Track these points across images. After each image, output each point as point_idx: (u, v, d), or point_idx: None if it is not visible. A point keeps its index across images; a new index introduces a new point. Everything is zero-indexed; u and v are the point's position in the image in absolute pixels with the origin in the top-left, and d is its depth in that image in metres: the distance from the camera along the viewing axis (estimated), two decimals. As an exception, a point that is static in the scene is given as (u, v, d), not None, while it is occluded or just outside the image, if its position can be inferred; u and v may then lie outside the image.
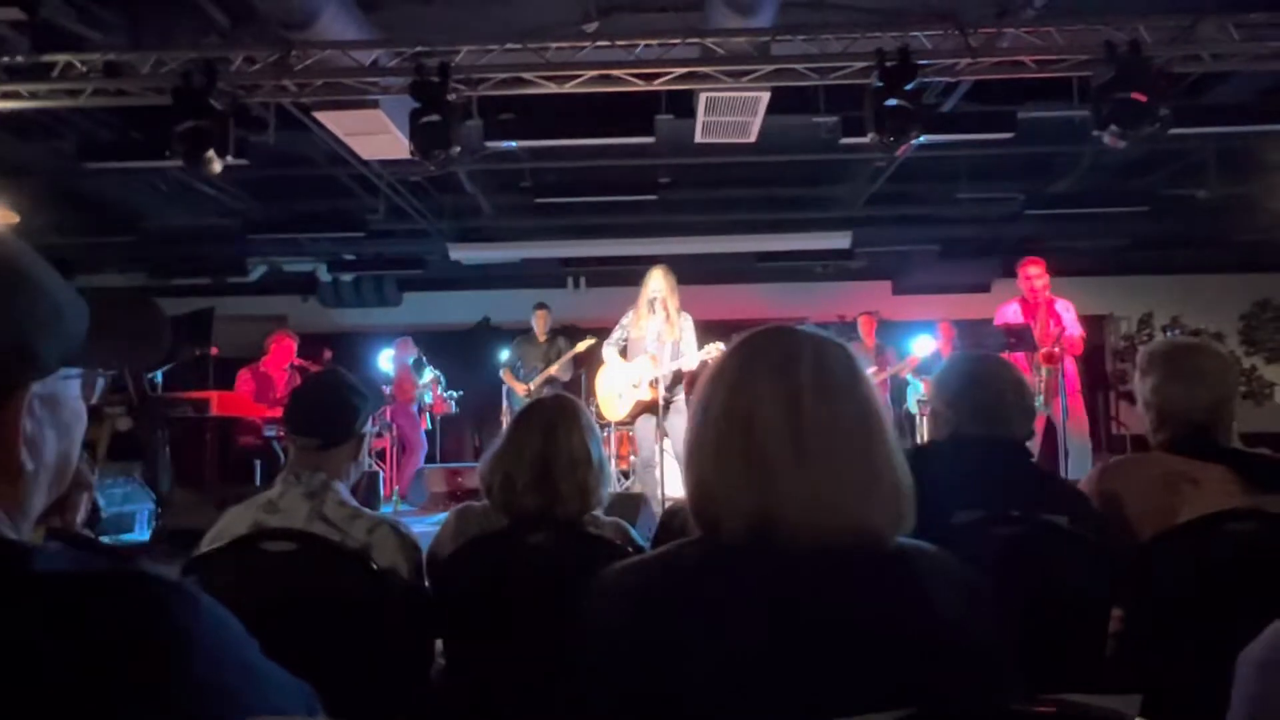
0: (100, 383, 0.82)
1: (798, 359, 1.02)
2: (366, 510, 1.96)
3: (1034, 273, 5.76)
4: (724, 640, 0.93)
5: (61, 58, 5.13)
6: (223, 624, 0.72)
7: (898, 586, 0.97)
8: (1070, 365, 5.64)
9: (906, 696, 0.77)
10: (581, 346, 7.05)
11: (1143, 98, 4.75)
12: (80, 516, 0.83)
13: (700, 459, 1.04)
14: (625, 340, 5.44)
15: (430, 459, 8.33)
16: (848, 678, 0.90)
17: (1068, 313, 5.68)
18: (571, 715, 1.06)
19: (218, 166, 5.09)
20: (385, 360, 8.40)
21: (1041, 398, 5.32)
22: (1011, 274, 9.69)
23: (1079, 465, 5.28)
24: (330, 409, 2.02)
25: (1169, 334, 10.78)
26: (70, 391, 0.79)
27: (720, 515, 1.00)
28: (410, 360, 8.12)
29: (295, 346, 6.96)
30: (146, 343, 0.88)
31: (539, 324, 7.46)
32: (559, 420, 1.98)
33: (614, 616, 0.99)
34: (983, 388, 1.96)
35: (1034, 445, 3.76)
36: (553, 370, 7.18)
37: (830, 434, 0.98)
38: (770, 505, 0.96)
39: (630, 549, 1.91)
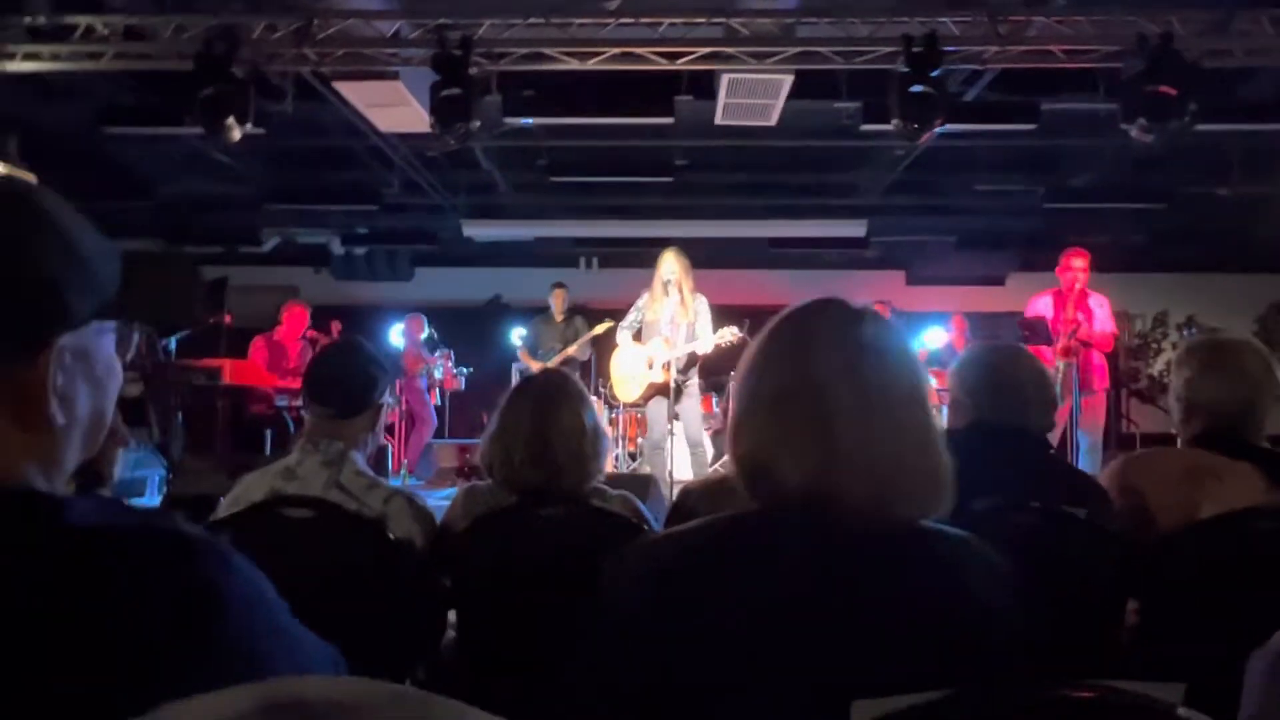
0: (135, 339, 0.81)
1: (857, 323, 1.02)
2: (383, 481, 1.97)
3: (1079, 264, 5.60)
4: (755, 616, 0.92)
5: (83, 20, 5.11)
6: (254, 583, 0.71)
7: (934, 568, 0.97)
8: (1097, 360, 5.56)
9: (937, 678, 0.77)
10: (600, 329, 6.99)
11: (1173, 91, 4.68)
12: (115, 473, 0.83)
13: (754, 425, 1.02)
14: (640, 323, 5.40)
15: (439, 434, 8.34)
16: (881, 656, 0.89)
17: (1101, 309, 5.57)
18: (585, 688, 1.05)
19: (237, 134, 5.08)
20: (396, 335, 8.40)
21: (1059, 389, 5.26)
22: (1027, 267, 9.68)
23: (1087, 462, 5.25)
24: (349, 379, 2.02)
25: (1185, 333, 10.68)
26: (104, 346, 0.77)
27: (777, 477, 0.98)
28: (422, 337, 8.12)
29: (308, 316, 6.98)
30: (183, 302, 0.87)
31: (557, 303, 7.37)
32: (550, 394, 1.98)
33: (640, 593, 0.99)
34: (1003, 378, 1.96)
35: (1053, 437, 3.73)
36: (571, 351, 7.12)
37: (887, 399, 0.98)
38: (829, 465, 0.95)
39: (645, 527, 1.91)
